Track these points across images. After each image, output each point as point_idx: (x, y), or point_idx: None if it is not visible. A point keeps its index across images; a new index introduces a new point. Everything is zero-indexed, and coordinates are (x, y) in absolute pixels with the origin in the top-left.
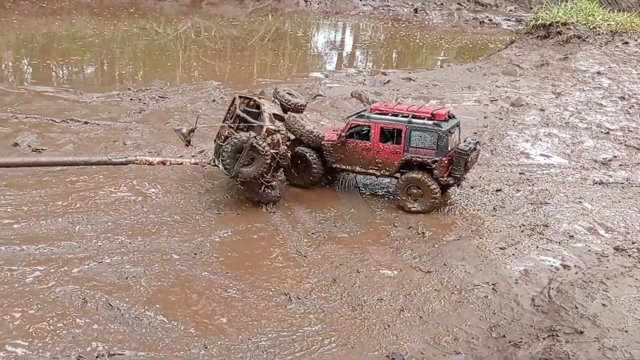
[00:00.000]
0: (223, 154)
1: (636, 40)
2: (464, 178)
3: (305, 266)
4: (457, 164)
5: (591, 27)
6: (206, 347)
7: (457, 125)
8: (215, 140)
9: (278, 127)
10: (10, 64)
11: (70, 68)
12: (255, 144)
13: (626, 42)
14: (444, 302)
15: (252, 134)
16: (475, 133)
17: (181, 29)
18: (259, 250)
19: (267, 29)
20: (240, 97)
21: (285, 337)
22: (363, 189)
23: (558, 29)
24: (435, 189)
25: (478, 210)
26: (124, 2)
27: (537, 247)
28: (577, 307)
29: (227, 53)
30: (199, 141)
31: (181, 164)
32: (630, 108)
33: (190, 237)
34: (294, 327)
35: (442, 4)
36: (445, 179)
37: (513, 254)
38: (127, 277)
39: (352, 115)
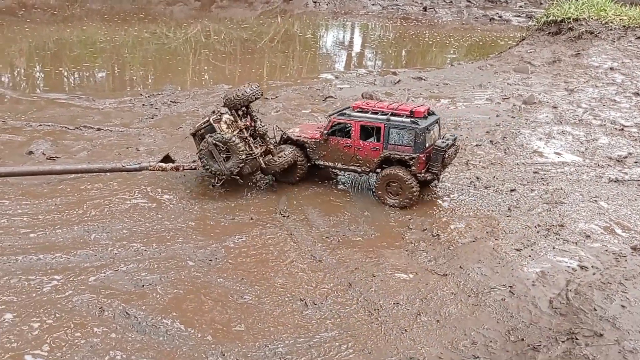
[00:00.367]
0: (205, 167)
1: None
2: (442, 173)
3: (321, 271)
4: (435, 160)
5: (603, 22)
6: (223, 355)
7: (437, 121)
8: None
9: (219, 111)
10: (23, 71)
11: (82, 74)
12: (215, 142)
13: (639, 37)
14: (460, 306)
15: (208, 135)
16: (487, 132)
17: (191, 33)
18: (274, 256)
19: (276, 30)
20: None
21: (302, 344)
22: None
23: (569, 25)
24: (413, 184)
25: (493, 211)
26: (134, 7)
27: (554, 247)
28: (595, 309)
29: (237, 56)
30: None
31: (194, 169)
32: None
33: (205, 244)
34: (310, 333)
35: (451, 1)
36: (423, 175)
37: (529, 256)
38: (143, 285)
39: (334, 114)
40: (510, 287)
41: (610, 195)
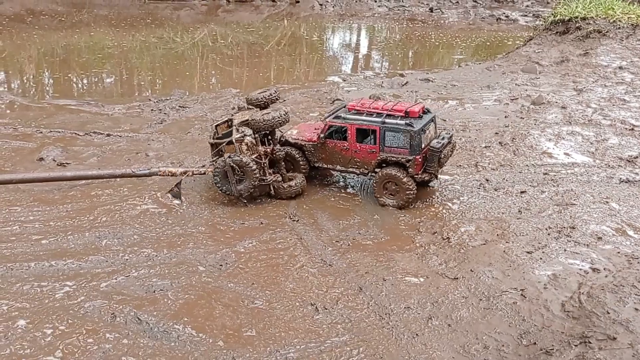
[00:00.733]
0: (217, 184)
1: None
2: (439, 172)
3: (331, 275)
4: (431, 160)
5: (611, 21)
6: None
7: (432, 120)
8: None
9: (243, 131)
10: (32, 77)
11: (90, 80)
12: (232, 164)
13: None
14: (472, 309)
15: (227, 155)
16: (496, 133)
17: (198, 37)
18: (284, 260)
19: (282, 33)
20: (217, 125)
21: (314, 349)
22: None
23: (577, 24)
24: (410, 185)
25: (503, 213)
26: (141, 12)
27: (565, 250)
28: (608, 312)
29: (244, 59)
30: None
31: (204, 173)
32: None
33: (215, 249)
34: (321, 337)
35: (457, 2)
36: (420, 176)
37: (541, 258)
38: (154, 291)
39: (329, 116)
40: (522, 290)
41: (622, 196)
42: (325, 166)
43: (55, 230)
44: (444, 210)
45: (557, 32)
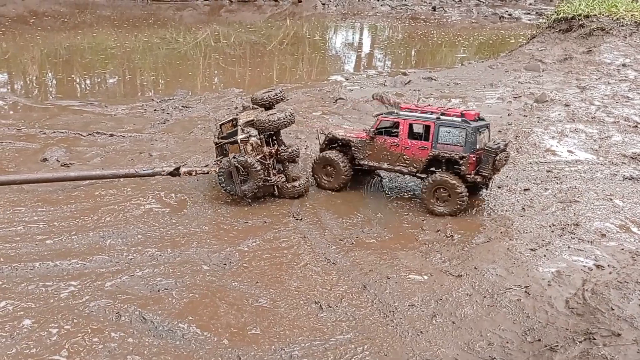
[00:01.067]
0: (221, 183)
1: None
2: (492, 178)
3: (335, 273)
4: (486, 162)
5: (614, 18)
6: (240, 359)
7: (487, 126)
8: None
9: (248, 132)
10: (35, 78)
11: (93, 80)
12: (237, 164)
13: None
14: (476, 307)
15: (232, 155)
16: (500, 131)
17: (200, 37)
18: (288, 259)
19: (285, 33)
20: (222, 125)
21: (318, 346)
22: (389, 192)
23: (580, 22)
24: (462, 191)
25: (506, 210)
26: (143, 13)
27: (569, 247)
28: (613, 309)
29: (247, 59)
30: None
31: (207, 173)
32: None
33: (219, 248)
34: (326, 335)
35: (460, 0)
36: (472, 176)
37: (544, 255)
38: (158, 290)
39: (381, 113)
40: (526, 287)
41: (625, 193)
42: (371, 164)
43: (60, 230)
44: None
45: (560, 30)
